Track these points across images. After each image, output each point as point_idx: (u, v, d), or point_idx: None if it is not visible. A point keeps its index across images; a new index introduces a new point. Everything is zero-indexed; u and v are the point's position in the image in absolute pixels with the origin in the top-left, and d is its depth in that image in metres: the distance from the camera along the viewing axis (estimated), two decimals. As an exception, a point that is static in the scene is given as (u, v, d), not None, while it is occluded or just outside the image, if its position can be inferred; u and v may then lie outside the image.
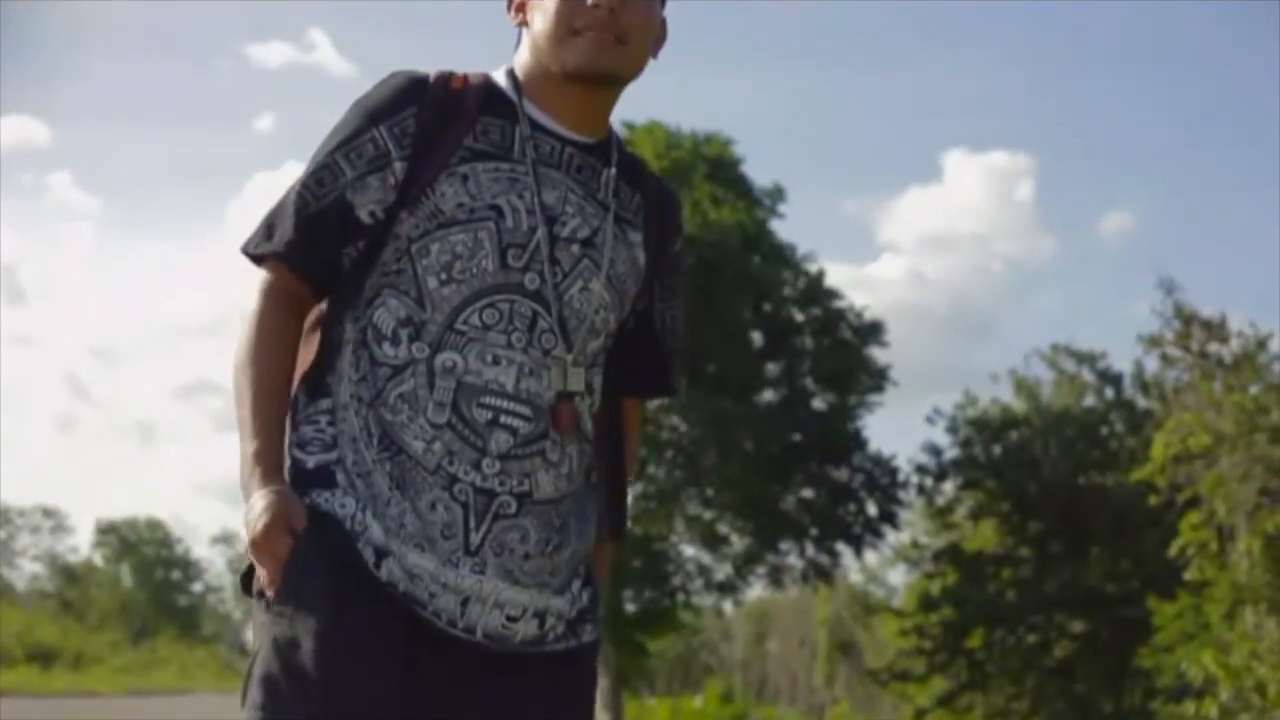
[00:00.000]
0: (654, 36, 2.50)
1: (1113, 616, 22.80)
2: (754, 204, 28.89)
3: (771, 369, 29.15)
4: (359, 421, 2.34)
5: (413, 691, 2.29)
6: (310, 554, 2.26)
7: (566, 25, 2.40)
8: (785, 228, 30.10)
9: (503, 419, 2.33)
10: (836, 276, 31.32)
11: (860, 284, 51.09)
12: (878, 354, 29.00)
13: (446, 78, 2.46)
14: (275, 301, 2.40)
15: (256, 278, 2.42)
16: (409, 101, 2.41)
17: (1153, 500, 18.01)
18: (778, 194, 29.73)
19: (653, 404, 29.53)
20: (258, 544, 2.24)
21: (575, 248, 2.42)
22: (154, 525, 78.05)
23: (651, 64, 2.51)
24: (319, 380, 2.40)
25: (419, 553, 2.30)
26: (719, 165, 28.76)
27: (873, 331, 29.00)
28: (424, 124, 2.39)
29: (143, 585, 75.15)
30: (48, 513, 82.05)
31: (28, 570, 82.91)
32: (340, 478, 2.33)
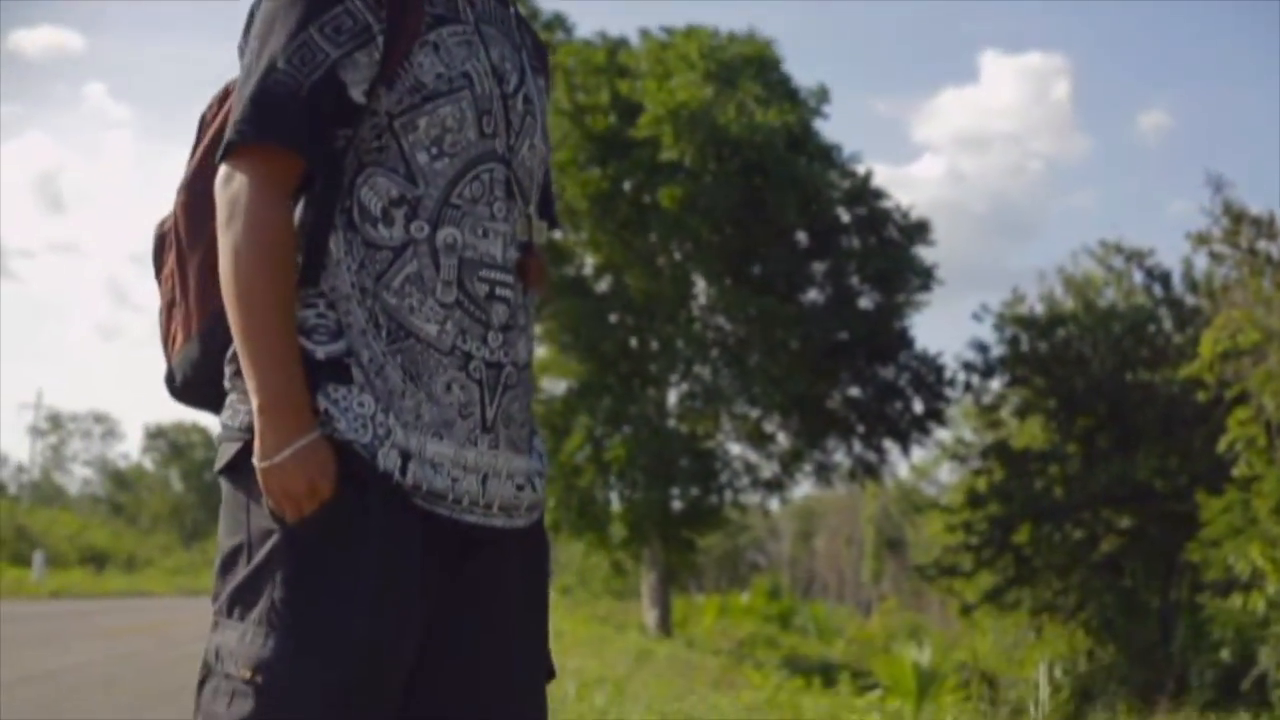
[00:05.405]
0: None
1: (1160, 511, 22.76)
2: (798, 105, 28.69)
3: (818, 268, 29.10)
4: (364, 313, 2.23)
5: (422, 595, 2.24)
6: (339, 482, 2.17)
7: None
8: (826, 128, 29.86)
9: (498, 291, 2.29)
10: (877, 176, 31.08)
11: (898, 183, 50.70)
12: (924, 253, 28.94)
13: None
14: (275, 194, 2.20)
15: (241, 168, 2.19)
16: None
17: (1201, 397, 17.99)
18: (822, 94, 29.52)
19: (698, 306, 29.59)
20: (306, 499, 2.13)
21: (519, 103, 2.36)
22: (202, 429, 78.68)
23: None
24: (306, 268, 2.25)
25: (437, 441, 2.24)
26: (762, 66, 28.55)
27: (919, 230, 28.88)
28: None
29: (192, 488, 75.87)
30: (99, 418, 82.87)
31: (79, 475, 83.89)
32: (356, 373, 2.21)
